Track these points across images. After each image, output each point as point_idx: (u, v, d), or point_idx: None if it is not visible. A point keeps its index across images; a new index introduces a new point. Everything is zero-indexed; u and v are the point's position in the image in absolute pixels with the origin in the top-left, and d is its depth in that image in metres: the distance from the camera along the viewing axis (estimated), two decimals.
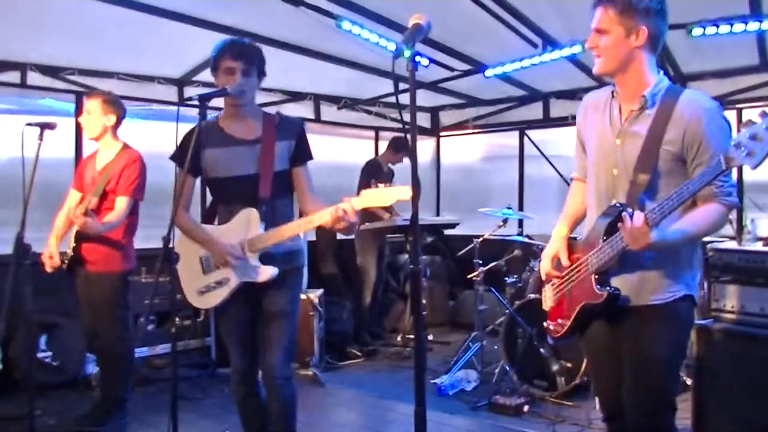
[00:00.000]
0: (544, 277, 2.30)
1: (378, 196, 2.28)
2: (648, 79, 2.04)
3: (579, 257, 2.16)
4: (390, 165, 5.89)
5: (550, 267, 2.24)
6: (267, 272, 2.56)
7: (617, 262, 2.02)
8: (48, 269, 3.43)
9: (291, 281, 2.68)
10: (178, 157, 2.56)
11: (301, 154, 2.68)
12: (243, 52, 2.57)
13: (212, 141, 2.63)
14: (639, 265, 2.05)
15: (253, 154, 2.60)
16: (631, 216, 1.88)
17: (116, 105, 3.57)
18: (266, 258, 2.58)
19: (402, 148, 5.80)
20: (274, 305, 2.63)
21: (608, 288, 2.04)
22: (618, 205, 2.02)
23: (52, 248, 3.47)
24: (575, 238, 2.26)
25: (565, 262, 2.19)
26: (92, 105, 3.51)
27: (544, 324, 2.30)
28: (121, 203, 3.45)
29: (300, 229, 2.53)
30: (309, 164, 2.72)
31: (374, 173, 5.71)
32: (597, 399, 2.39)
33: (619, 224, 1.93)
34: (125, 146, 3.58)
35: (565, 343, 2.41)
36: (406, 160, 5.91)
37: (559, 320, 2.21)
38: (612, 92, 2.15)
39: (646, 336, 2.05)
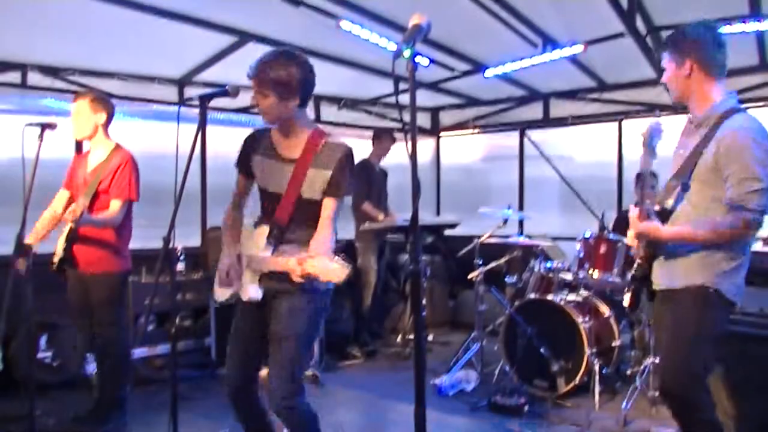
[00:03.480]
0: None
1: (323, 270, 2.24)
2: (707, 102, 2.38)
3: None
4: (381, 162, 5.87)
5: None
6: (248, 292, 2.54)
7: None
8: (19, 267, 3.23)
9: (291, 303, 2.51)
10: (238, 158, 2.69)
11: (333, 186, 2.52)
12: (256, 74, 2.45)
13: (261, 148, 2.62)
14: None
15: (286, 173, 2.54)
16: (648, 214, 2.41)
17: (105, 102, 3.56)
18: (270, 277, 2.50)
19: (382, 136, 5.78)
20: (273, 326, 2.54)
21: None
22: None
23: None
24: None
25: None
26: (80, 105, 3.50)
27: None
28: (116, 205, 3.44)
29: (281, 268, 2.41)
30: None
31: (365, 175, 5.70)
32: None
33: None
34: (117, 146, 3.57)
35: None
36: (400, 157, 5.91)
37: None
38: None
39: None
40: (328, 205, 2.53)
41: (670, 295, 2.43)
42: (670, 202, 2.43)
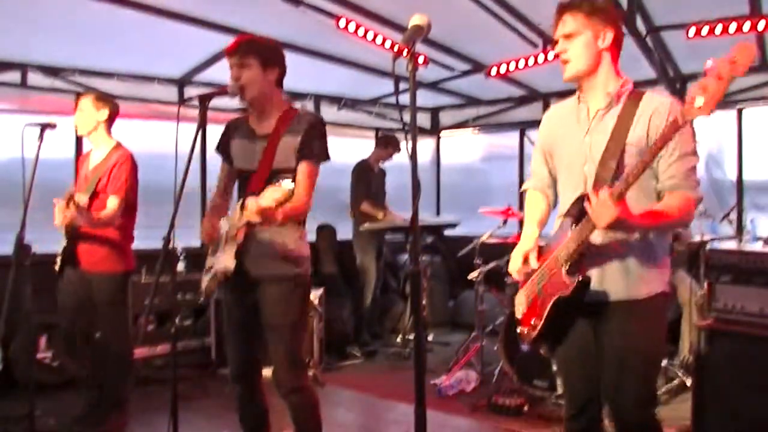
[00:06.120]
0: (516, 276, 2.27)
1: (270, 197, 2.22)
2: (614, 80, 2.11)
3: (548, 256, 2.16)
4: (380, 164, 5.89)
5: (520, 264, 2.21)
6: (220, 263, 2.53)
7: (589, 250, 2.02)
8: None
9: (282, 292, 2.57)
10: (218, 143, 2.79)
11: (303, 150, 2.54)
12: (237, 47, 2.55)
13: (238, 132, 2.70)
14: (619, 261, 2.06)
15: (260, 148, 2.59)
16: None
17: (108, 101, 3.58)
18: (256, 261, 2.54)
19: (390, 143, 5.81)
20: (265, 317, 2.59)
21: (578, 275, 2.00)
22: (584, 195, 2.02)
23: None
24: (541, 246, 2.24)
25: (534, 264, 2.18)
26: (84, 102, 3.52)
27: (518, 330, 2.29)
28: (113, 203, 3.43)
29: (246, 219, 2.38)
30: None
31: (365, 175, 5.71)
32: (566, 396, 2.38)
33: (586, 204, 1.93)
34: (117, 145, 3.57)
35: (543, 349, 2.35)
36: (400, 157, 5.91)
37: (533, 320, 2.19)
38: (578, 97, 2.20)
39: (630, 331, 2.07)
40: (303, 168, 2.55)
41: (624, 308, 2.06)
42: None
